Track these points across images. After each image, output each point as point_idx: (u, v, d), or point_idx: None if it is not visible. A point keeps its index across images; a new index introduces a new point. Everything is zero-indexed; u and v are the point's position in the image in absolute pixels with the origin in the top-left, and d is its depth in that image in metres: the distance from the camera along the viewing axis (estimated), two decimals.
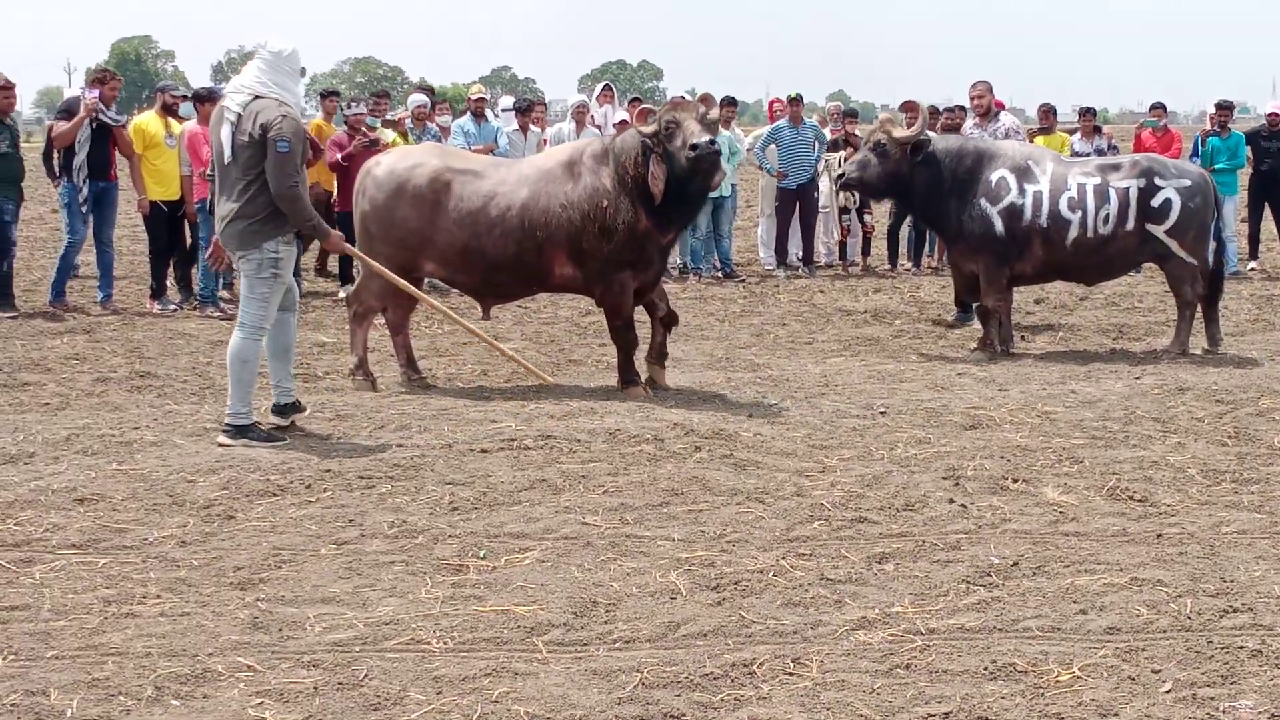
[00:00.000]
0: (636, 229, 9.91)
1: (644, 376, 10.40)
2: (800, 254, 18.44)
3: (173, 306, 14.25)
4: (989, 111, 13.74)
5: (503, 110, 18.78)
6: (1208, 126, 19.28)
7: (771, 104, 19.58)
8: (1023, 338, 12.88)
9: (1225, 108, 18.40)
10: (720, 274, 17.68)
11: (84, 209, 14.06)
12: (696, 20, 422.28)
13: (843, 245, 18.65)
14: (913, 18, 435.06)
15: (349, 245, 9.95)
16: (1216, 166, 17.60)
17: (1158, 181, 11.67)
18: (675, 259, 17.98)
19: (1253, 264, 18.29)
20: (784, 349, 12.54)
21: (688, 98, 11.49)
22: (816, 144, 18.12)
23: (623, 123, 10.22)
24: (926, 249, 18.31)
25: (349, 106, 16.33)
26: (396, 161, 10.38)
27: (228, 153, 8.49)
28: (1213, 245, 12.13)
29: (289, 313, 8.89)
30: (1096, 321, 13.96)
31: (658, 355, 10.58)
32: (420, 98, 16.79)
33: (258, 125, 8.39)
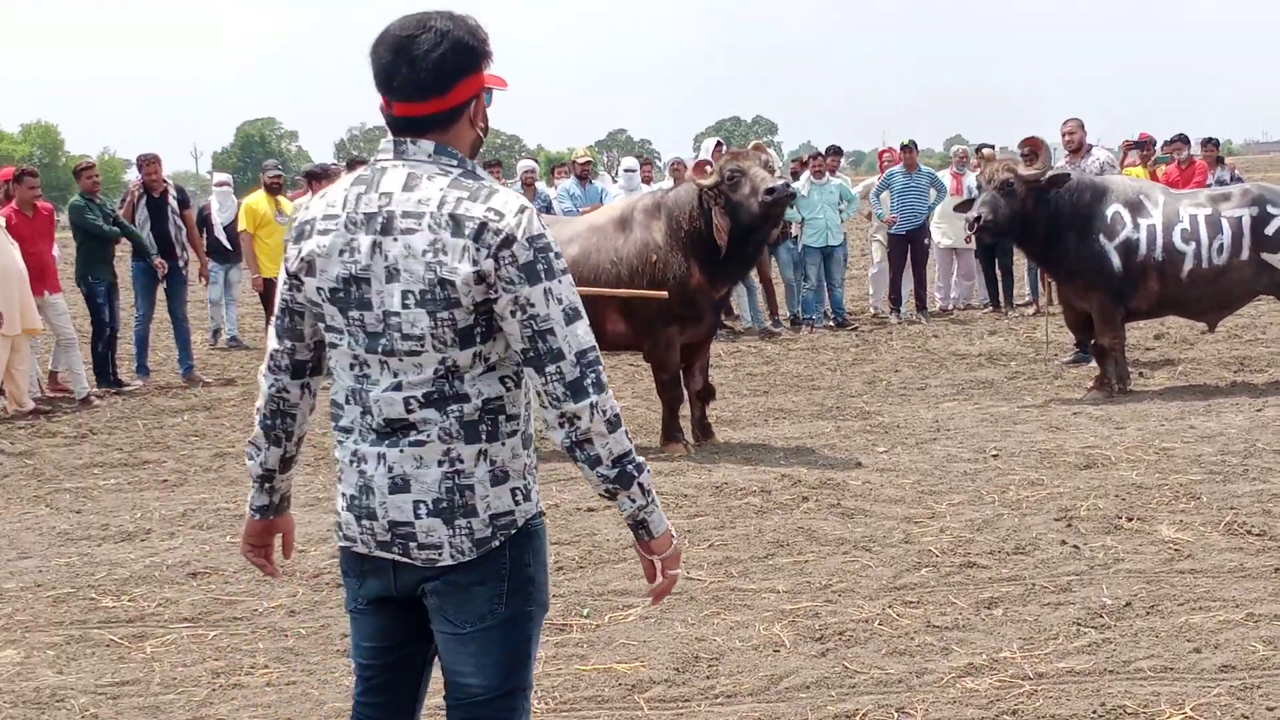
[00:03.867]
0: (688, 283, 9.90)
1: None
2: (914, 300, 18.31)
3: None
4: (1080, 148, 13.57)
5: (625, 170, 18.83)
6: None
7: (881, 154, 19.51)
8: (1141, 374, 12.64)
9: None
10: (833, 323, 17.59)
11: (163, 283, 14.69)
12: (809, 73, 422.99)
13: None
14: (1026, 59, 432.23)
15: None
16: None
17: (1270, 209, 11.42)
18: (786, 310, 17.95)
19: None
20: (896, 395, 12.43)
21: (739, 148, 11.26)
22: (932, 190, 18.00)
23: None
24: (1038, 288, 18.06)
25: None
26: None
27: None
28: None
29: None
30: (1218, 355, 13.65)
31: (701, 431, 10.44)
32: (528, 164, 17.05)
33: None
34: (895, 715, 5.09)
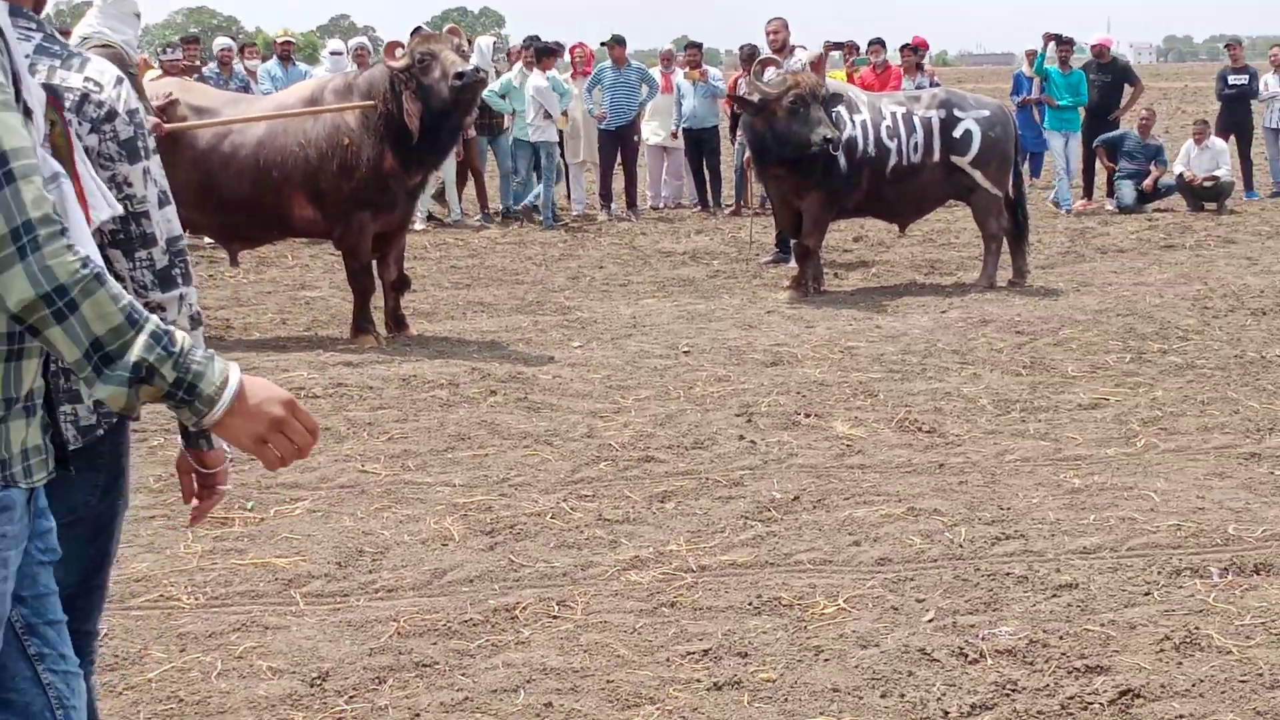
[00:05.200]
0: (381, 168, 9.60)
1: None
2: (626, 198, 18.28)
3: None
4: (784, 47, 13.65)
5: (330, 54, 18.21)
6: (1025, 68, 19.37)
7: (573, 50, 19.12)
8: (836, 275, 12.88)
9: (1066, 42, 18.09)
10: (539, 219, 17.41)
11: None
12: None
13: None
14: None
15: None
16: (1060, 104, 17.55)
17: (957, 113, 11.73)
18: (497, 203, 17.73)
19: (1081, 202, 18.15)
20: (598, 291, 12.37)
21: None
22: (644, 86, 17.90)
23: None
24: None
25: (164, 52, 15.84)
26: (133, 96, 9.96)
27: None
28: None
29: None
30: (911, 258, 14.00)
31: (395, 323, 10.18)
32: (225, 41, 16.34)
33: None
34: (555, 607, 5.03)
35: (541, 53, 17.12)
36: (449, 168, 16.56)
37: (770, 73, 11.76)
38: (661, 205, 18.83)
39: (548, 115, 16.50)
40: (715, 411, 7.78)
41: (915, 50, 18.52)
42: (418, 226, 16.00)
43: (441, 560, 5.52)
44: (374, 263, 10.07)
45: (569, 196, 18.34)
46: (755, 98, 11.34)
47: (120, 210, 2.72)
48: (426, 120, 9.45)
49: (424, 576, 5.35)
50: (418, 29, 9.98)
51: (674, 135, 18.02)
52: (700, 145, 17.86)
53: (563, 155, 17.73)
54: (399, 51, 9.61)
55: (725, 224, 16.98)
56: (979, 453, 6.94)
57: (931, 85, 16.94)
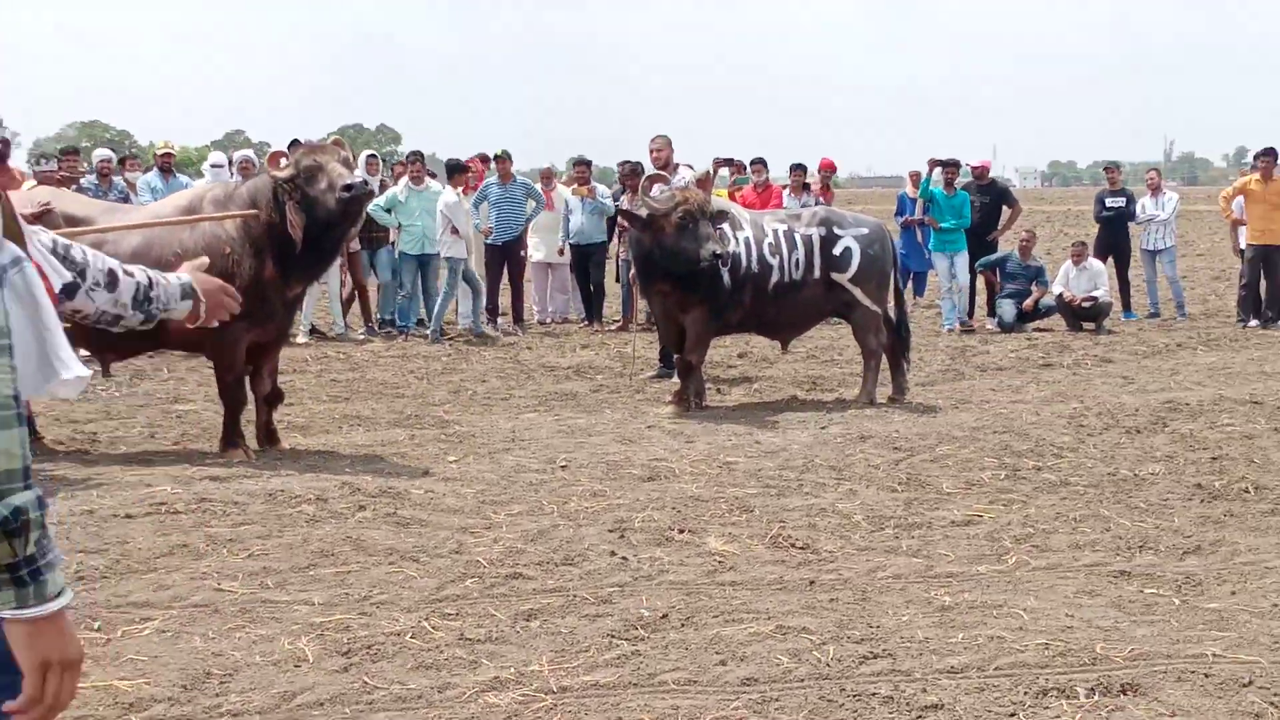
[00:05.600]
0: (261, 278, 9.44)
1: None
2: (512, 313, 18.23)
3: None
4: (668, 165, 13.72)
5: (211, 166, 18.09)
6: (909, 189, 19.71)
7: (466, 164, 19.16)
8: (719, 390, 12.86)
9: (951, 165, 18.46)
10: (428, 332, 17.31)
11: None
12: (436, 85, 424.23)
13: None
14: (644, 85, 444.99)
15: None
16: (943, 225, 17.80)
17: (836, 230, 11.83)
18: (379, 315, 17.59)
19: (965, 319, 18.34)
20: (479, 405, 12.24)
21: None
22: (530, 202, 17.94)
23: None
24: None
25: (38, 163, 15.64)
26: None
27: None
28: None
29: None
30: (793, 374, 14.03)
31: (266, 437, 10.00)
32: (104, 152, 16.18)
33: None
34: None
35: (453, 169, 17.18)
36: (333, 280, 16.46)
37: (658, 189, 11.77)
38: (548, 320, 18.81)
39: (455, 230, 16.47)
40: (588, 527, 7.65)
41: (804, 170, 18.83)
42: (299, 340, 15.82)
43: (293, 683, 5.31)
44: (247, 376, 9.87)
45: (457, 311, 18.22)
46: (644, 213, 11.34)
47: (70, 277, 2.65)
48: (311, 231, 9.33)
49: (272, 700, 5.14)
50: (295, 141, 9.91)
51: (560, 252, 18.08)
52: (587, 260, 17.89)
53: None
54: (283, 161, 9.49)
55: (611, 339, 16.95)
56: (851, 570, 6.86)
57: (817, 204, 17.21)
